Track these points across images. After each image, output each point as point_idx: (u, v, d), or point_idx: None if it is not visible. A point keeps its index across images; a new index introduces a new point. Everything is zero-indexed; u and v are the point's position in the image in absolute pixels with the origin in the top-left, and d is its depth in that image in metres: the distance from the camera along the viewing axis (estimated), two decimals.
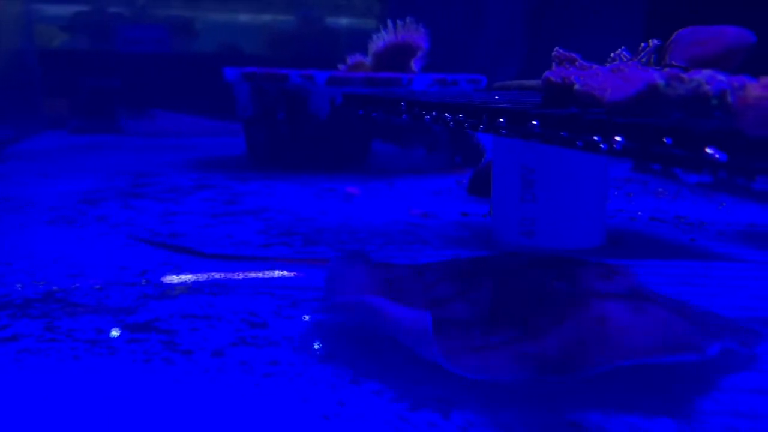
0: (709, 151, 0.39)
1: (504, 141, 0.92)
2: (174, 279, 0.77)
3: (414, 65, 1.60)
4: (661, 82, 0.49)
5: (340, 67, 1.65)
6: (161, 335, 0.61)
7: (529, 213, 0.90)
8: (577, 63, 0.65)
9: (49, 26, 2.55)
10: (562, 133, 0.52)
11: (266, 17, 2.79)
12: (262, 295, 0.72)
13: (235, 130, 1.97)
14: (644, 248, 0.94)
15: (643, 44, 0.66)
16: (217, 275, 0.78)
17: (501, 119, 0.60)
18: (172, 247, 0.86)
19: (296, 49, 2.76)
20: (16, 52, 2.31)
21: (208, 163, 1.73)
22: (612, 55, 0.68)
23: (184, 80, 2.51)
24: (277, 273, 0.79)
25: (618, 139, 0.46)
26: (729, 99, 0.47)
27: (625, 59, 0.66)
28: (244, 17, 2.78)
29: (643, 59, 0.65)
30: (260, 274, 0.79)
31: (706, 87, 0.48)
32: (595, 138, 0.48)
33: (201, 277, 0.78)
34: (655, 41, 0.66)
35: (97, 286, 0.74)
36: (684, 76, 0.50)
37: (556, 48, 0.66)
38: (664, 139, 0.42)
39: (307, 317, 0.66)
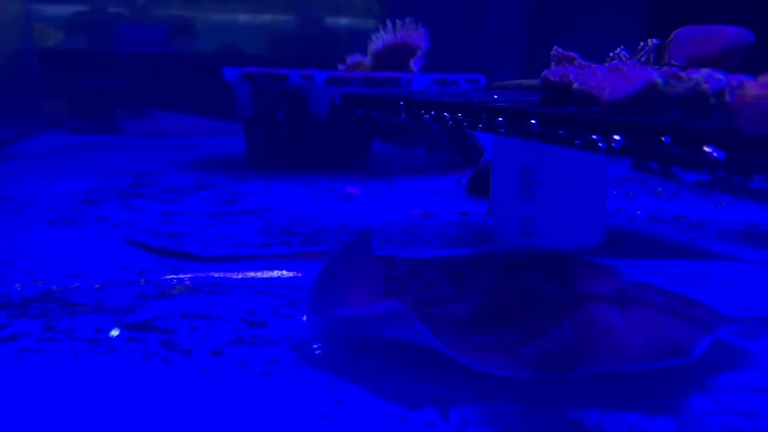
0: (707, 149, 0.39)
1: (503, 140, 0.92)
2: (173, 278, 0.77)
3: (413, 65, 1.60)
4: (659, 80, 0.49)
5: (340, 67, 1.65)
6: (160, 334, 0.61)
7: (528, 212, 0.90)
8: (575, 62, 0.65)
9: (44, 25, 2.55)
10: (560, 132, 0.52)
11: (266, 17, 2.79)
12: (260, 295, 0.72)
13: (235, 130, 1.97)
14: (643, 247, 0.94)
15: (642, 43, 0.66)
16: (215, 275, 0.78)
17: (500, 118, 0.60)
18: (171, 253, 0.85)
19: (296, 49, 2.76)
20: (16, 52, 2.32)
21: (207, 163, 1.73)
22: (611, 54, 0.68)
23: (184, 80, 2.51)
24: (275, 272, 0.79)
25: (617, 137, 0.46)
26: (727, 98, 0.47)
27: (624, 58, 0.66)
28: (243, 17, 2.78)
29: (642, 58, 0.65)
30: (259, 274, 0.79)
31: (705, 86, 0.48)
32: (594, 137, 0.49)
33: (200, 276, 0.78)
34: (654, 40, 0.66)
35: (96, 286, 0.74)
36: (682, 74, 0.50)
37: (555, 47, 0.67)
38: (663, 138, 0.42)
39: (305, 317, 0.65)
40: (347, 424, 0.46)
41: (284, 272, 0.79)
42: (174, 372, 0.54)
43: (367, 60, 1.62)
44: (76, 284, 0.75)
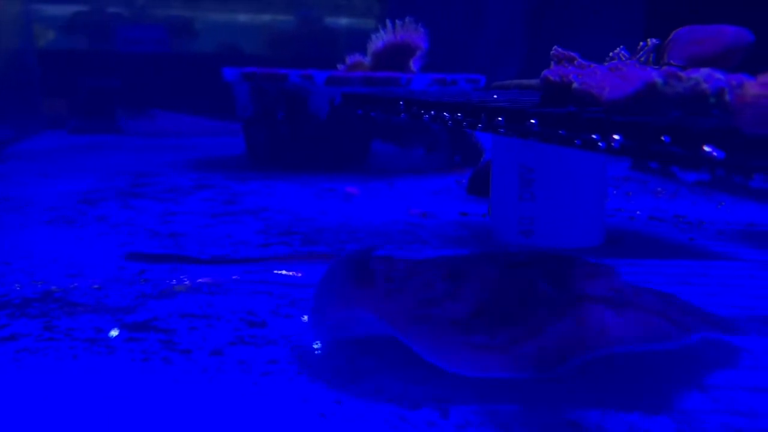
0: (707, 149, 0.39)
1: (503, 140, 0.92)
2: (172, 278, 0.77)
3: (413, 65, 1.60)
4: (659, 80, 0.49)
5: (339, 66, 1.65)
6: (160, 334, 0.61)
7: (527, 212, 0.90)
8: (575, 62, 0.65)
9: (37, 25, 2.55)
10: (560, 132, 0.52)
11: (266, 17, 2.79)
12: (260, 295, 0.72)
13: (234, 130, 1.97)
14: (643, 247, 0.94)
15: (641, 43, 0.66)
16: (215, 275, 0.78)
17: (499, 118, 0.60)
18: (171, 257, 0.85)
19: (296, 49, 2.76)
20: (16, 52, 2.32)
21: (207, 163, 1.73)
22: (611, 54, 0.68)
23: (184, 80, 2.51)
24: (275, 272, 0.79)
25: (616, 137, 0.46)
26: (727, 97, 0.47)
27: (623, 58, 0.66)
28: (243, 17, 2.78)
29: (642, 58, 0.65)
30: (258, 274, 0.79)
31: (704, 85, 0.48)
32: (594, 136, 0.48)
33: (199, 276, 0.78)
34: (654, 40, 0.66)
35: (96, 286, 0.74)
36: (682, 74, 0.50)
37: (555, 47, 0.67)
38: (662, 138, 0.42)
39: (305, 317, 0.65)
40: (347, 423, 0.46)
41: (284, 272, 0.79)
42: (174, 372, 0.54)
43: (367, 60, 1.62)
44: (76, 284, 0.75)
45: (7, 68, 2.17)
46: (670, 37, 0.66)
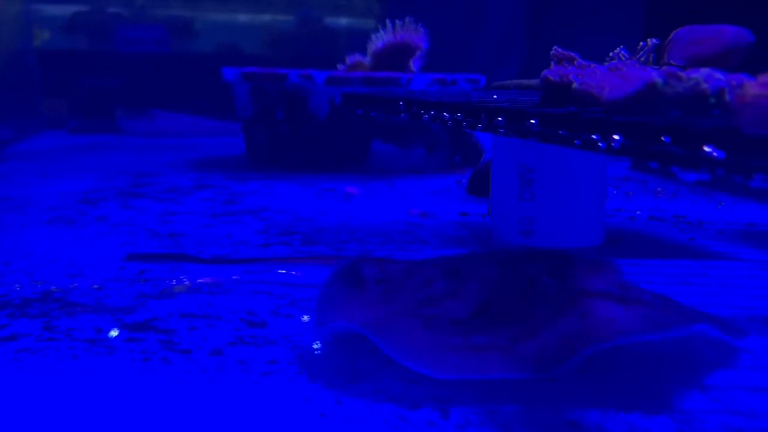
0: (707, 149, 0.39)
1: (503, 140, 0.92)
2: (172, 278, 0.77)
3: (413, 65, 1.60)
4: (659, 80, 0.49)
5: (339, 66, 1.65)
6: (160, 335, 0.61)
7: (527, 212, 0.90)
8: (575, 62, 0.65)
9: (41, 26, 2.55)
10: (560, 132, 0.52)
11: (266, 17, 2.79)
12: (260, 295, 0.72)
13: (234, 130, 1.97)
14: (643, 247, 0.94)
15: (641, 43, 0.66)
16: (215, 275, 0.78)
17: (499, 118, 0.60)
18: (172, 256, 0.85)
19: (296, 49, 2.76)
20: (16, 52, 2.32)
21: (207, 163, 1.73)
22: (611, 54, 0.68)
23: (184, 80, 2.51)
24: (275, 272, 0.79)
25: (616, 137, 0.46)
26: (727, 97, 0.47)
27: (623, 58, 0.66)
28: (243, 17, 2.78)
29: (642, 58, 0.65)
30: (258, 274, 0.79)
31: (704, 85, 0.48)
32: (594, 136, 0.49)
33: (199, 276, 0.78)
34: (654, 40, 0.66)
35: (96, 286, 0.74)
36: (682, 74, 0.50)
37: (555, 47, 0.67)
38: (662, 138, 0.42)
39: (305, 317, 0.66)
40: (347, 423, 0.46)
41: (284, 272, 0.79)
42: (174, 372, 0.54)
43: (367, 60, 1.62)
44: (76, 284, 0.75)
45: (7, 68, 2.17)
46: (670, 37, 0.66)
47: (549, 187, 0.89)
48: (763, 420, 0.47)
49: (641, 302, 0.54)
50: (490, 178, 0.97)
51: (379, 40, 1.59)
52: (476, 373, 0.49)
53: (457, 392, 0.50)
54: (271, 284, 0.75)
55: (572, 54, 0.66)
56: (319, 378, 0.53)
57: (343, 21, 2.86)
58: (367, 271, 0.62)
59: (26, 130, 2.22)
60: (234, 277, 0.77)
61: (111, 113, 2.42)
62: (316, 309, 0.59)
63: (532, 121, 0.55)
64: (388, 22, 1.58)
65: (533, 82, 0.81)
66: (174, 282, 0.76)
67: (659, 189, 1.37)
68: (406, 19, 1.58)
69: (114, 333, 0.61)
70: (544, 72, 0.63)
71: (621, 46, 0.68)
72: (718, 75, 0.49)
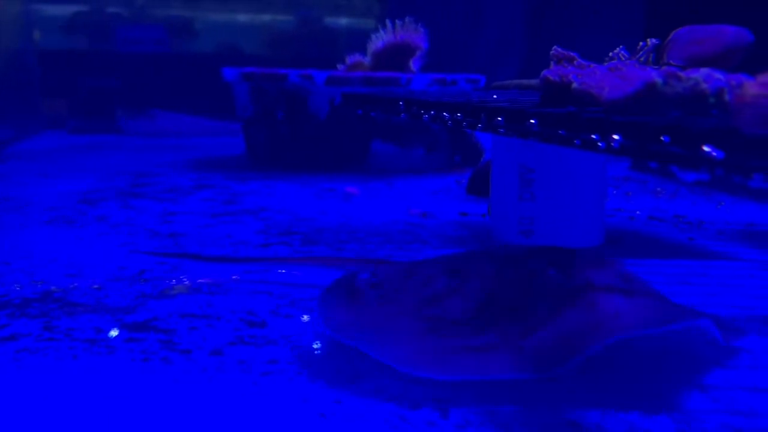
0: (706, 149, 0.39)
1: (502, 140, 0.92)
2: (172, 278, 0.77)
3: (413, 65, 1.60)
4: (658, 80, 0.49)
5: (339, 67, 1.65)
6: (160, 334, 0.61)
7: (527, 212, 0.90)
8: (575, 62, 0.65)
9: (40, 26, 2.55)
10: (560, 132, 0.52)
11: (265, 17, 2.79)
12: (260, 295, 0.72)
13: (234, 130, 1.97)
14: (643, 247, 0.94)
15: (641, 43, 0.66)
16: (215, 275, 0.78)
17: (499, 118, 0.60)
18: (174, 255, 0.85)
19: (296, 49, 2.76)
20: (16, 52, 2.32)
21: (207, 163, 1.73)
22: (610, 54, 0.68)
23: (184, 80, 2.51)
24: (275, 272, 0.79)
25: (616, 137, 0.46)
26: (726, 97, 0.47)
27: (623, 58, 0.66)
28: (243, 17, 2.78)
29: (641, 58, 0.65)
30: (258, 274, 0.79)
31: (704, 85, 0.48)
32: (593, 136, 0.49)
33: (199, 276, 0.78)
34: (653, 40, 0.66)
35: (96, 286, 0.74)
36: (681, 74, 0.50)
37: (555, 47, 0.67)
38: (662, 137, 0.42)
39: (305, 317, 0.66)
40: (347, 423, 0.46)
41: (284, 272, 0.79)
42: (174, 372, 0.54)
43: (367, 60, 1.62)
44: (76, 284, 0.75)
45: (7, 68, 2.17)
46: (670, 37, 0.66)
47: (549, 187, 0.89)
48: (763, 420, 0.47)
49: (645, 293, 0.54)
50: (490, 178, 0.97)
51: (379, 40, 1.59)
52: (476, 374, 0.49)
53: (457, 392, 0.50)
54: (271, 284, 0.75)
55: (572, 54, 0.66)
56: (319, 378, 0.53)
57: (343, 21, 2.86)
58: (361, 278, 0.62)
59: (26, 130, 2.22)
60: (234, 277, 0.77)
61: (111, 113, 2.42)
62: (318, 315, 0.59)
63: (532, 121, 0.55)
64: (388, 22, 1.58)
65: (533, 82, 0.81)
66: (174, 282, 0.76)
67: (659, 189, 1.37)
68: (406, 19, 1.58)
69: (114, 333, 0.61)
70: (544, 72, 0.63)
71: (621, 46, 0.68)
72: (718, 75, 0.49)
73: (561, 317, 0.51)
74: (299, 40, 2.79)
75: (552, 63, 0.66)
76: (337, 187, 1.38)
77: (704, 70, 0.50)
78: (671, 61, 0.63)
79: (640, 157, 0.45)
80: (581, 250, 0.64)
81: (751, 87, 0.39)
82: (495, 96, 0.81)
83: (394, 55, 1.58)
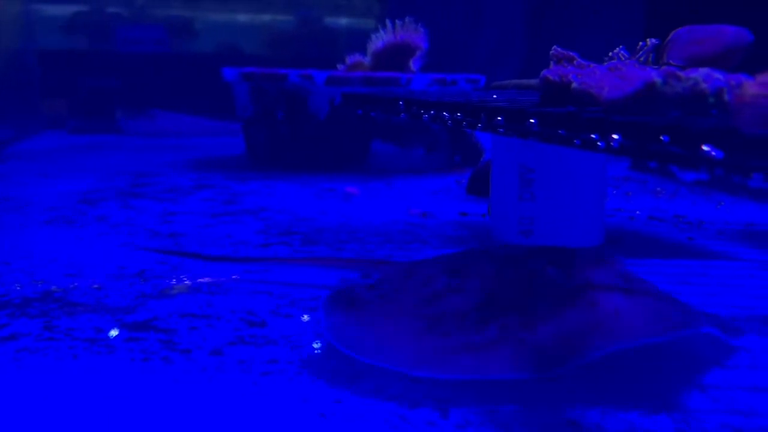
0: (705, 148, 0.39)
1: (502, 140, 0.92)
2: (172, 278, 0.77)
3: (413, 65, 1.60)
4: (658, 80, 0.49)
5: (339, 66, 1.65)
6: (160, 334, 0.61)
7: (527, 212, 0.90)
8: (575, 61, 0.65)
9: (40, 26, 2.55)
10: (560, 132, 0.52)
11: (265, 17, 2.79)
12: (260, 294, 0.72)
13: (234, 130, 1.98)
14: (643, 247, 0.94)
15: (641, 43, 0.66)
16: (215, 274, 0.78)
17: (499, 118, 0.60)
18: (175, 253, 0.86)
19: (296, 49, 2.76)
20: (16, 52, 2.32)
21: (207, 163, 1.73)
22: (610, 54, 0.68)
23: (184, 80, 2.51)
24: (275, 272, 0.79)
25: (615, 137, 0.47)
26: (726, 97, 0.47)
27: (623, 58, 0.66)
28: (243, 17, 2.78)
29: (641, 58, 0.65)
30: (258, 273, 0.79)
31: (703, 85, 0.48)
32: (593, 136, 0.49)
33: (199, 276, 0.78)
34: (653, 40, 0.66)
35: (96, 286, 0.74)
36: (681, 74, 0.50)
37: (555, 47, 0.67)
38: (662, 137, 0.42)
39: (305, 317, 0.66)
40: (347, 423, 0.46)
41: (284, 272, 0.79)
42: (174, 372, 0.54)
43: (367, 60, 1.62)
44: (76, 284, 0.75)
45: (7, 68, 2.17)
46: (670, 37, 0.66)
47: (549, 187, 0.89)
48: (762, 419, 0.47)
49: (645, 292, 0.54)
50: (489, 178, 0.97)
51: (379, 40, 1.59)
52: (476, 374, 0.49)
53: (457, 392, 0.50)
54: (271, 284, 0.75)
55: (572, 54, 0.66)
56: (319, 378, 0.53)
57: (343, 21, 2.86)
58: (362, 281, 0.62)
59: (26, 130, 2.22)
60: (234, 277, 0.77)
61: (111, 113, 2.42)
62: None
63: (532, 121, 0.55)
64: (388, 22, 1.58)
65: (533, 82, 0.81)
66: (174, 282, 0.76)
67: (659, 189, 1.37)
68: (406, 19, 1.58)
69: (114, 332, 0.61)
70: (544, 72, 0.63)
71: (621, 46, 0.68)
72: (717, 75, 0.49)
73: (561, 317, 0.51)
74: (299, 40, 2.79)
75: (552, 63, 0.66)
76: (337, 187, 1.38)
77: (704, 70, 0.50)
78: (671, 61, 0.63)
79: (639, 157, 0.45)
80: (581, 249, 0.64)
81: (750, 87, 0.39)
82: (495, 96, 0.81)
83: (394, 55, 1.58)
